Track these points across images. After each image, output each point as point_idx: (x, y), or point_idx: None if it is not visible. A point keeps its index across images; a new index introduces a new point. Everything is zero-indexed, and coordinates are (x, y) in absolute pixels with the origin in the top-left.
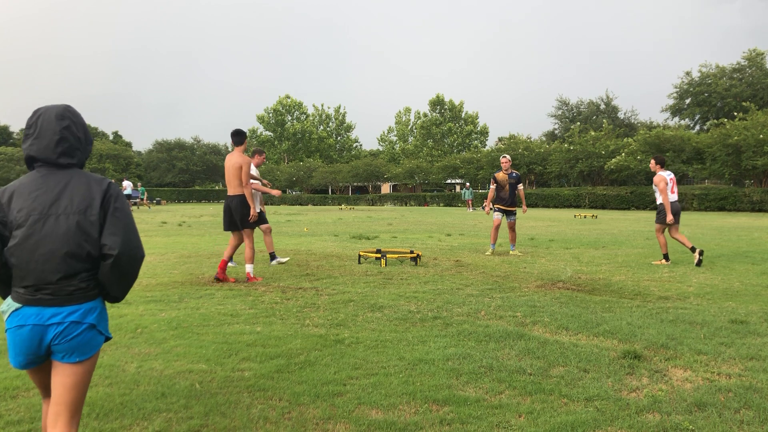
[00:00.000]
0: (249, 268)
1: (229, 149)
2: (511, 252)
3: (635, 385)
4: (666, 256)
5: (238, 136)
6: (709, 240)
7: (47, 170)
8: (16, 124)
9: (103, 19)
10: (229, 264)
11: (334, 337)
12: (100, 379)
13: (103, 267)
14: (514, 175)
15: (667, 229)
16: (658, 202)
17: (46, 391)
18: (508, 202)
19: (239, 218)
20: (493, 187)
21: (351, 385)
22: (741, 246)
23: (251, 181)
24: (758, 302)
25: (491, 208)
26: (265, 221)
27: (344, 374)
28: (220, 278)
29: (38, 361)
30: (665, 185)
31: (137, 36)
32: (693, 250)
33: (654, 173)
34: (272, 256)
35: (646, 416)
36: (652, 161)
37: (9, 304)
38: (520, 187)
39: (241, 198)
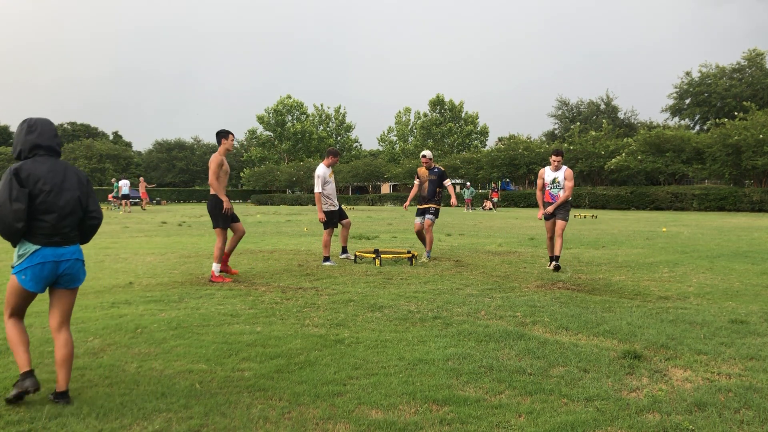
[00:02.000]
0: (214, 267)
1: (231, 150)
2: (423, 259)
3: (635, 385)
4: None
5: (216, 137)
6: (709, 240)
7: (48, 158)
8: (16, 124)
9: (103, 19)
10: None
11: (334, 337)
12: (100, 379)
13: (88, 225)
14: (436, 170)
15: (551, 233)
16: (561, 199)
17: (23, 312)
18: (426, 200)
19: (211, 216)
20: (416, 182)
21: (351, 385)
22: (741, 246)
23: (320, 189)
24: (758, 302)
25: (409, 206)
26: (344, 216)
27: (344, 374)
28: (227, 272)
29: (47, 286)
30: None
31: (138, 36)
32: (551, 259)
33: (556, 168)
34: (343, 250)
35: (646, 416)
36: (559, 156)
37: (27, 247)
38: (447, 183)
39: (214, 197)
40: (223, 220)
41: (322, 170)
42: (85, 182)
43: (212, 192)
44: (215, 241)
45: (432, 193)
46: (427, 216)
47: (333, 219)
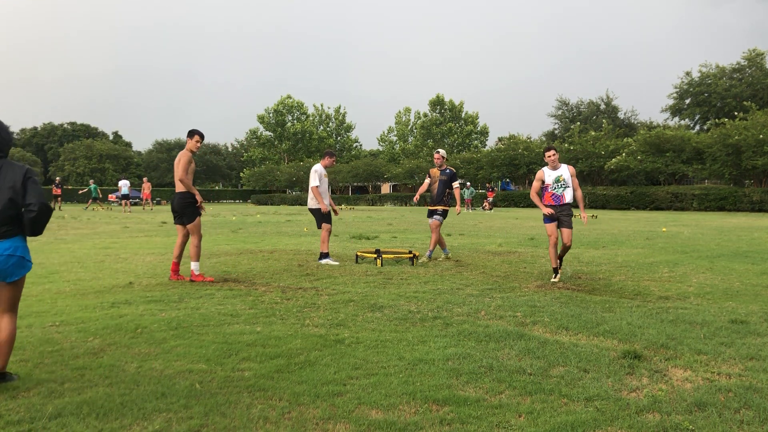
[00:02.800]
0: (194, 266)
1: (230, 149)
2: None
3: (635, 385)
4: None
5: (187, 135)
6: (709, 240)
7: None
8: (16, 125)
9: (104, 19)
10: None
11: (334, 337)
12: (100, 379)
13: (26, 218)
14: (447, 171)
15: (555, 237)
16: (567, 200)
17: None
18: (434, 201)
19: (182, 214)
20: (426, 181)
21: (351, 385)
22: (741, 246)
23: (317, 183)
24: (758, 302)
25: (417, 202)
26: (329, 221)
27: (344, 374)
28: (174, 279)
29: None
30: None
31: (138, 36)
32: (556, 271)
33: (554, 167)
34: (323, 256)
35: (646, 416)
36: (552, 151)
37: None
38: (455, 185)
39: (182, 194)
40: (197, 212)
41: (320, 167)
42: (21, 179)
43: (180, 189)
44: (187, 239)
45: (441, 194)
46: (434, 217)
47: (326, 216)
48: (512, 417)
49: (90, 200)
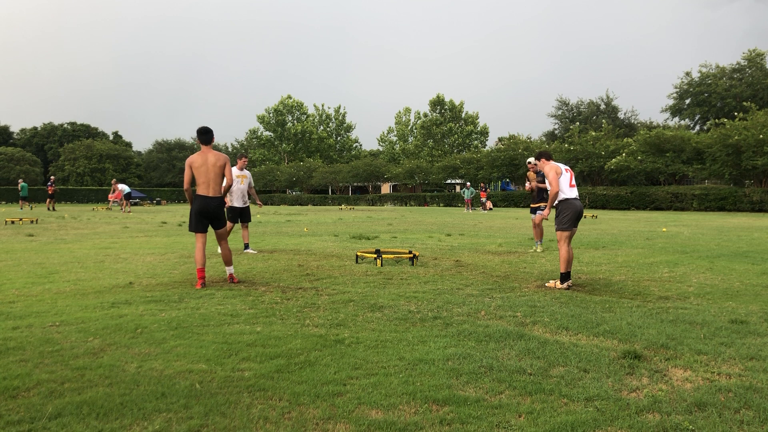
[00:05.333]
0: (231, 270)
1: (230, 150)
2: (537, 249)
3: (635, 385)
4: (567, 276)
5: (207, 135)
6: (709, 240)
7: None
8: (16, 124)
9: (104, 19)
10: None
11: (334, 337)
12: (100, 379)
13: None
14: (542, 173)
15: (561, 237)
16: (560, 198)
17: None
18: (536, 199)
19: (220, 218)
20: (527, 184)
21: (351, 385)
22: (741, 246)
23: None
24: (758, 302)
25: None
26: (245, 219)
27: (344, 374)
28: (234, 281)
29: None
30: (555, 174)
31: (139, 36)
32: (565, 277)
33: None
34: (245, 246)
35: (646, 416)
36: (542, 160)
37: None
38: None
39: (219, 199)
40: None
41: (236, 171)
42: None
43: (215, 194)
44: (221, 246)
45: (540, 191)
46: (538, 212)
47: (232, 215)
48: (512, 417)
49: (20, 200)
